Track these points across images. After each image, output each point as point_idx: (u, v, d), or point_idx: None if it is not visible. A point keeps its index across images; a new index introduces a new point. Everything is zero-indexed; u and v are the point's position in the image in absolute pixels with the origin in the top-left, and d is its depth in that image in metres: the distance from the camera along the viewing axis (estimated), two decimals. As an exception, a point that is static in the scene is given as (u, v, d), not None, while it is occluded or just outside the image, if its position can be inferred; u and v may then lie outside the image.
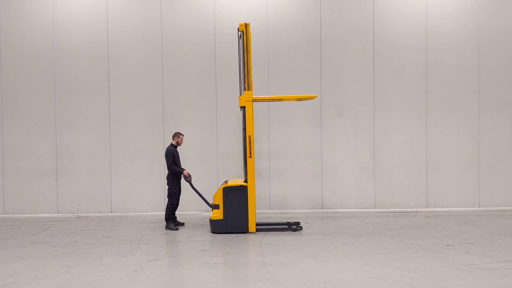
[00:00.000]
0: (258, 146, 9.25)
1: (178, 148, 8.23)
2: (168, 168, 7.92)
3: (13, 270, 5.49)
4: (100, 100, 9.38)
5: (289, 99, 7.86)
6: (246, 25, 7.60)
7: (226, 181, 7.89)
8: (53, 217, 9.21)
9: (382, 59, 9.44)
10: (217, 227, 7.42)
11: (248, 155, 7.44)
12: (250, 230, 7.41)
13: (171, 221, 7.96)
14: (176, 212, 8.17)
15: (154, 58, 9.40)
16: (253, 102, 7.84)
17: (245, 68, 7.54)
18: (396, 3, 9.45)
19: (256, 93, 9.05)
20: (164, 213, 8.20)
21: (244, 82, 7.55)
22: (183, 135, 8.19)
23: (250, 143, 7.43)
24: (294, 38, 9.39)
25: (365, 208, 9.42)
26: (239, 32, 7.71)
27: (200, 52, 9.40)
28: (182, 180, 8.06)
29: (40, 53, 9.35)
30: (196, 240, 6.98)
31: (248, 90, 7.49)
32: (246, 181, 7.50)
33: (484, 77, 9.48)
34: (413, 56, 9.46)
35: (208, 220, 7.77)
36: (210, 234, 7.42)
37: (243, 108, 7.56)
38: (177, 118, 9.38)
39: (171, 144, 8.07)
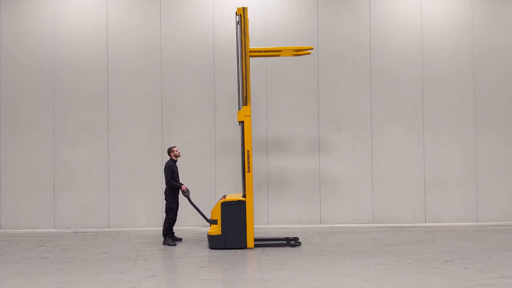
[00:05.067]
0: (256, 160, 9.25)
1: (178, 163, 8.23)
2: (167, 183, 7.90)
3: (9, 286, 5.43)
4: (99, 114, 9.40)
5: (285, 53, 7.93)
6: (244, 8, 7.61)
7: (224, 196, 7.88)
8: (50, 232, 9.14)
9: (379, 74, 9.53)
10: (215, 243, 7.38)
11: (246, 169, 7.45)
12: (248, 246, 7.37)
13: (169, 236, 7.91)
14: (174, 227, 8.12)
15: (153, 73, 9.45)
16: (251, 57, 7.91)
17: (243, 62, 7.54)
18: (392, 19, 9.56)
19: (254, 106, 9.10)
20: (162, 228, 8.15)
21: (243, 90, 7.59)
22: (175, 147, 8.23)
23: (248, 158, 7.44)
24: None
25: (363, 223, 9.40)
26: (237, 17, 7.73)
27: (199, 67, 9.46)
28: (180, 195, 8.04)
29: (40, 67, 9.38)
30: (194, 256, 6.93)
31: (246, 104, 7.54)
32: (244, 196, 7.48)
33: (480, 93, 9.57)
34: (410, 72, 9.55)
35: (206, 236, 7.73)
36: (208, 249, 7.37)
37: (241, 122, 7.59)
38: (176, 132, 9.40)
39: (170, 158, 8.08)
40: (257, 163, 9.27)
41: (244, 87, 7.58)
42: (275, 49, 8.06)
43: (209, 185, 9.37)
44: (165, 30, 9.46)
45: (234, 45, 8.98)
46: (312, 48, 8.11)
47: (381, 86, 9.53)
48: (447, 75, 9.58)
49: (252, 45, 9.01)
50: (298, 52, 8.01)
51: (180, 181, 8.25)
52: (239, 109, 7.73)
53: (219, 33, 9.46)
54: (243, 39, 7.57)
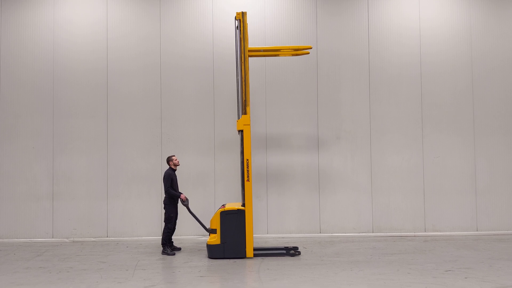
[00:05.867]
0: (255, 169, 9.24)
1: (177, 172, 8.22)
2: (166, 192, 7.89)
3: (6, 297, 5.40)
4: (98, 123, 9.40)
5: (284, 52, 7.92)
6: (243, 13, 7.65)
7: (223, 205, 7.86)
8: (48, 241, 9.09)
9: (378, 84, 9.56)
10: (214, 252, 7.34)
11: (245, 178, 7.44)
12: (247, 255, 7.34)
13: (168, 246, 7.88)
14: (173, 237, 8.09)
15: (152, 82, 9.47)
16: (250, 57, 7.87)
17: (242, 67, 7.55)
18: (390, 29, 9.63)
19: (254, 116, 9.12)
20: (161, 237, 8.12)
21: (242, 94, 7.61)
22: (175, 156, 8.23)
23: (247, 167, 7.44)
24: (291, 63, 9.51)
25: (363, 232, 9.37)
26: (236, 21, 7.77)
27: (199, 77, 9.49)
28: (179, 204, 8.02)
29: (39, 76, 9.40)
30: (193, 266, 6.90)
31: (245, 114, 7.56)
32: (243, 205, 7.46)
33: (478, 101, 9.61)
34: (408, 81, 9.59)
35: (205, 245, 7.70)
36: (207, 259, 7.34)
37: (241, 131, 7.61)
38: (175, 141, 9.40)
39: (170, 167, 8.07)
40: (256, 171, 9.27)
41: (243, 91, 7.58)
42: (274, 48, 8.06)
43: (208, 193, 9.35)
44: (165, 38, 9.50)
45: (233, 52, 9.00)
46: (311, 48, 8.11)
47: (380, 96, 9.56)
48: (446, 84, 9.61)
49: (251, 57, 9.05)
50: (297, 51, 8.00)
51: (179, 190, 8.24)
52: (238, 117, 7.75)
53: (219, 40, 9.49)
54: (242, 44, 7.62)
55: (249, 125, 7.51)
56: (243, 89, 7.62)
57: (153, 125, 9.43)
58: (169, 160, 8.14)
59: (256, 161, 9.31)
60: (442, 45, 9.65)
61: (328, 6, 9.62)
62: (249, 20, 9.38)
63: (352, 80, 9.57)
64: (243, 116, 7.55)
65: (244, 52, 7.61)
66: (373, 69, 9.59)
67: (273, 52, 8.08)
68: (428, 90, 9.59)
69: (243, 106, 7.61)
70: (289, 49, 7.98)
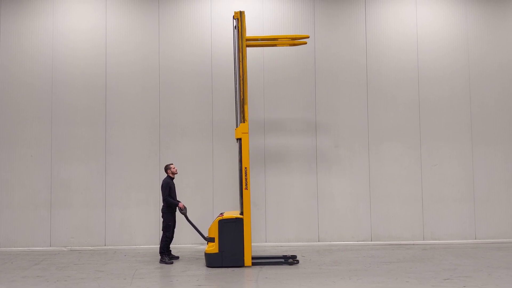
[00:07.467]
0: (254, 177, 9.24)
1: (175, 180, 8.23)
2: (164, 200, 7.88)
3: (3, 306, 5.37)
4: (97, 131, 9.40)
5: (282, 42, 7.91)
6: (241, 13, 7.69)
7: (221, 214, 7.84)
8: (46, 250, 9.05)
9: (375, 92, 9.60)
10: (212, 261, 7.32)
11: (244, 187, 7.44)
12: (246, 264, 7.31)
13: (166, 254, 7.85)
14: (171, 245, 8.07)
15: (151, 90, 9.49)
16: (247, 48, 7.89)
17: (240, 65, 7.57)
18: (388, 38, 9.69)
19: (252, 122, 9.14)
20: (159, 246, 8.10)
21: (240, 97, 7.63)
22: (172, 164, 8.23)
23: (246, 175, 7.44)
24: (289, 71, 9.55)
25: (361, 241, 9.35)
26: (234, 21, 7.81)
27: (197, 85, 9.53)
28: (177, 213, 8.01)
29: (38, 84, 9.42)
30: (191, 275, 6.87)
31: (244, 122, 7.58)
32: (242, 213, 7.46)
33: (476, 110, 9.65)
34: (406, 89, 9.63)
35: (203, 254, 7.68)
36: (205, 268, 7.31)
37: (239, 140, 7.62)
38: (174, 149, 9.41)
39: (168, 176, 8.07)
40: (255, 178, 9.27)
41: (241, 90, 7.58)
42: (272, 37, 8.04)
43: (206, 201, 9.33)
44: (164, 47, 9.54)
45: (232, 59, 9.06)
46: (308, 37, 8.10)
47: (378, 104, 9.58)
48: (444, 92, 9.66)
49: (250, 59, 9.09)
50: (295, 41, 7.97)
51: (178, 198, 8.23)
52: (237, 125, 7.77)
53: (217, 47, 9.54)
54: (240, 41, 7.65)
55: (248, 133, 7.53)
56: (241, 88, 7.61)
57: (152, 133, 9.43)
58: (167, 168, 8.14)
59: (254, 168, 9.31)
60: (439, 55, 9.70)
61: (326, 12, 9.67)
62: (247, 24, 9.45)
63: (350, 88, 9.58)
64: (242, 124, 7.57)
65: (242, 51, 7.63)
66: (371, 81, 9.62)
67: (270, 41, 8.04)
68: (425, 96, 9.63)
69: (241, 105, 7.60)
70: (286, 38, 7.98)
